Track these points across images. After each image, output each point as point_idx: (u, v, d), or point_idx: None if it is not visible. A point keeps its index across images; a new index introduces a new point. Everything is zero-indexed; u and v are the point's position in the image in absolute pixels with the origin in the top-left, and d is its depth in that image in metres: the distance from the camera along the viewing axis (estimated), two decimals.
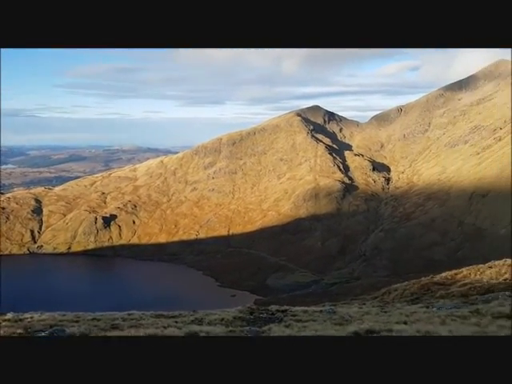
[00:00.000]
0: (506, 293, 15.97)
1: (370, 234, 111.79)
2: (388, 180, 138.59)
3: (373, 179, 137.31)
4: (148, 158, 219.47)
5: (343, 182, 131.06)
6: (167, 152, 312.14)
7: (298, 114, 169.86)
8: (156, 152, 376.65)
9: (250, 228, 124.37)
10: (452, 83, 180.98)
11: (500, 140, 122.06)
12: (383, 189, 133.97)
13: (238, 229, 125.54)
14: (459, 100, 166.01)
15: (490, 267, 23.56)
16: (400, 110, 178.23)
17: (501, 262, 23.96)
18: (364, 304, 20.44)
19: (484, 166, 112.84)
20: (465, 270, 23.95)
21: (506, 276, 20.79)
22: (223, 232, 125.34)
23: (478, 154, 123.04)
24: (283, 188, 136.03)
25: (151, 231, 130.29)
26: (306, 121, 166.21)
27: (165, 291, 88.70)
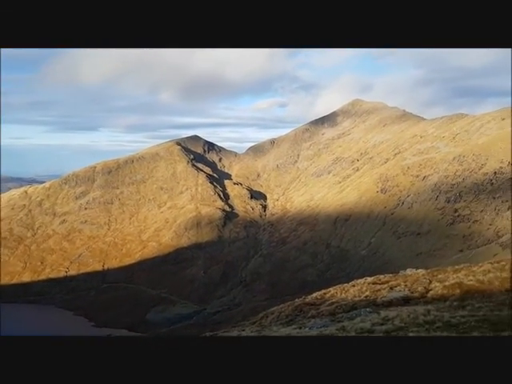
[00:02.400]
0: (367, 309, 17.67)
1: (250, 260, 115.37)
2: (265, 207, 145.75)
3: (251, 207, 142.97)
4: (10, 189, 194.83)
5: (224, 210, 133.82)
6: (32, 181, 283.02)
7: (178, 143, 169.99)
8: (19, 181, 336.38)
9: (128, 261, 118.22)
10: (316, 119, 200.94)
11: (358, 170, 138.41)
12: (261, 216, 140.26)
13: (114, 262, 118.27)
14: (322, 134, 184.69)
15: (353, 286, 25.35)
16: (273, 142, 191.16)
17: (362, 280, 25.96)
18: (243, 330, 21.02)
19: (345, 193, 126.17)
20: (332, 290, 25.85)
21: (367, 293, 22.66)
22: (97, 267, 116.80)
23: (340, 182, 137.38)
24: (164, 217, 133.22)
25: (13, 270, 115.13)
26: (186, 150, 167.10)
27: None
